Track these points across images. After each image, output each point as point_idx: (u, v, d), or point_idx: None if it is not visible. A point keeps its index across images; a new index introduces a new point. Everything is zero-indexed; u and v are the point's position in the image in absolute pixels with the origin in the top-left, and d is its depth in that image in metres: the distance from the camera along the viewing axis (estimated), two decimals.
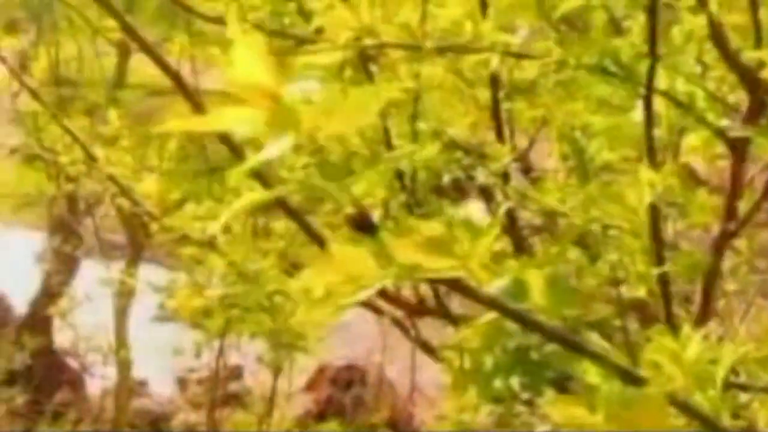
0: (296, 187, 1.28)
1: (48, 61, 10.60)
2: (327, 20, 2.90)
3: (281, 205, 2.31)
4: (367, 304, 4.30)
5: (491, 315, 1.47)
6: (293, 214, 2.18)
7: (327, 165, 1.25)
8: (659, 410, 1.46)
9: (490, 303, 1.40)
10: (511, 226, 3.23)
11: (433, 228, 1.27)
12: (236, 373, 11.79)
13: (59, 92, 11.17)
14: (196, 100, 2.38)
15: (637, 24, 3.19)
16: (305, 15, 4.36)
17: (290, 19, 4.65)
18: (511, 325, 2.50)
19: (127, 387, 11.08)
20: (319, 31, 3.56)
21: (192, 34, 8.76)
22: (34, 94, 4.86)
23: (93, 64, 12.38)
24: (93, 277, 11.91)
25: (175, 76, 2.55)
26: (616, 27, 3.42)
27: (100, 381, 12.45)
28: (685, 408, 1.50)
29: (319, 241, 2.22)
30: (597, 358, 1.56)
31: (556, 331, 1.47)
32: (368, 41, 2.68)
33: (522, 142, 4.36)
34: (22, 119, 13.59)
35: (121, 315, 10.98)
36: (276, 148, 1.25)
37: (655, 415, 1.45)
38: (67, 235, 12.18)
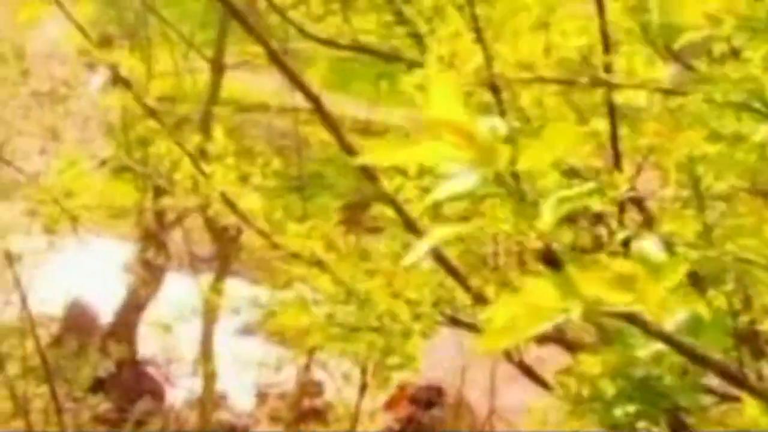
0: (484, 223, 1.33)
1: (146, 77, 10.78)
2: (452, 48, 2.94)
3: (419, 233, 2.34)
4: (472, 326, 4.33)
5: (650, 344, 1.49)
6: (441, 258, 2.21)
7: (514, 201, 1.28)
8: None
9: (663, 337, 1.43)
10: (626, 255, 3.24)
11: (621, 264, 1.30)
12: (317, 389, 11.88)
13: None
14: (334, 124, 2.43)
15: (757, 54, 3.20)
16: (417, 38, 4.43)
17: (398, 42, 4.72)
18: (641, 356, 2.52)
19: (212, 399, 11.21)
20: (440, 57, 3.62)
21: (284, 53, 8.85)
22: (151, 111, 4.96)
23: (185, 80, 12.58)
24: (178, 289, 12.09)
25: (315, 100, 2.61)
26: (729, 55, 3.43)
27: (180, 391, 12.62)
28: None
29: (454, 272, 2.26)
30: (758, 392, 1.58)
31: (723, 366, 1.49)
32: (523, 73, 2.71)
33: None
34: (114, 132, 13.85)
35: (209, 328, 11.12)
36: (469, 181, 1.30)
37: None
38: (155, 246, 12.37)
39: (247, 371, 11.85)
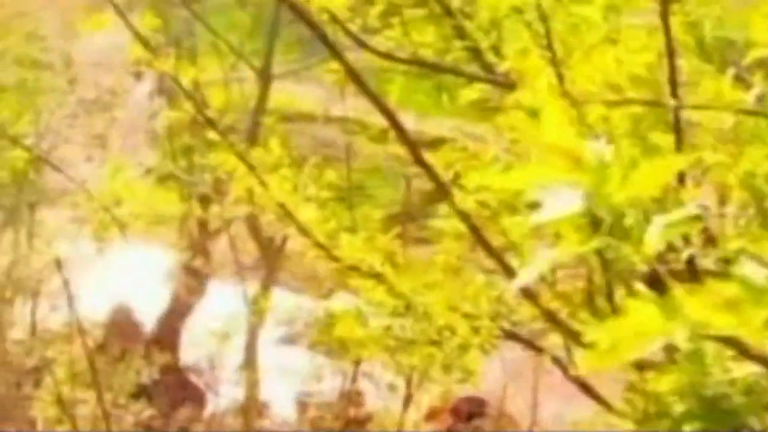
0: (581, 244, 1.34)
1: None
2: (521, 64, 2.96)
3: (489, 248, 2.36)
4: (528, 342, 4.34)
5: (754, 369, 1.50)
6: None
7: (619, 224, 1.30)
8: None
9: (762, 360, 1.44)
10: (692, 273, 3.24)
11: (725, 288, 1.32)
12: (359, 399, 11.89)
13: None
14: (410, 140, 2.46)
15: None
16: (475, 52, 4.44)
17: (454, 56, 4.74)
18: (715, 376, 2.52)
19: (255, 407, 11.26)
20: (500, 73, 3.64)
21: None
22: (212, 124, 5.01)
23: (232, 89, 12.64)
24: (222, 296, 12.15)
25: (390, 116, 2.64)
26: None
27: (223, 399, 12.67)
28: None
29: (529, 296, 2.27)
30: None
31: None
32: (609, 95, 2.73)
33: None
34: (159, 141, 13.96)
35: (252, 336, 11.17)
36: (575, 204, 1.32)
37: None
38: (198, 254, 12.45)
39: (289, 380, 11.89)
